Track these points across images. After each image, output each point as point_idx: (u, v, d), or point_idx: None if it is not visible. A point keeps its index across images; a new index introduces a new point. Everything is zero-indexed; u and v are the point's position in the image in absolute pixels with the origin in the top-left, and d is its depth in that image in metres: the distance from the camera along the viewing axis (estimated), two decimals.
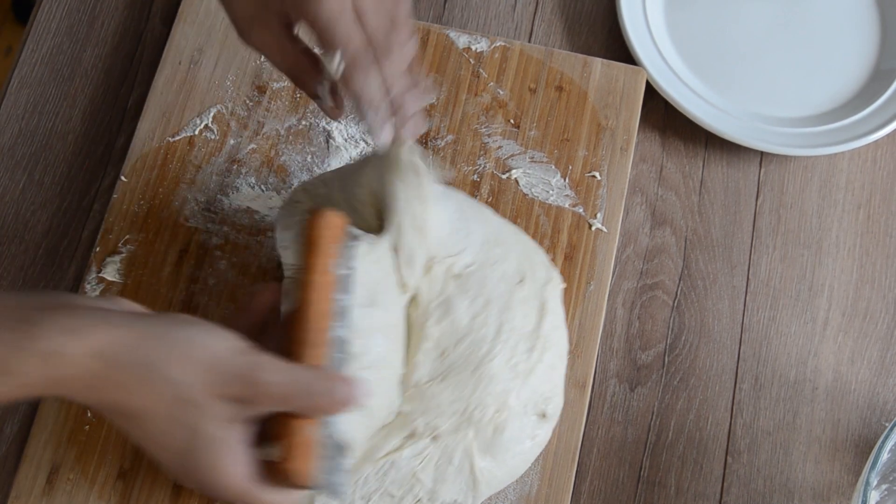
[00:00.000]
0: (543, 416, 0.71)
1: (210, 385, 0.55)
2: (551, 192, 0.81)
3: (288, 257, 0.65)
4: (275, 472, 0.57)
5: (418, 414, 0.69)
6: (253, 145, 0.82)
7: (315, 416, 0.58)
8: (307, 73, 0.65)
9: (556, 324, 0.74)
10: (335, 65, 0.60)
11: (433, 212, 0.68)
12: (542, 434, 0.72)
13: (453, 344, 0.70)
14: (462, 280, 0.72)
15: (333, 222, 0.63)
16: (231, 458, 0.57)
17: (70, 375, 0.54)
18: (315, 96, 0.66)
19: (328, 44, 0.60)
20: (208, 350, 0.56)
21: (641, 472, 0.76)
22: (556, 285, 0.75)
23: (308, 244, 0.62)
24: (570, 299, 0.77)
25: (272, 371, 0.56)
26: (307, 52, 0.65)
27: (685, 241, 0.83)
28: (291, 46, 0.64)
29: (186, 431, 0.56)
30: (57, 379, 0.54)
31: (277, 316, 0.63)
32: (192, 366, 0.55)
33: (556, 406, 0.72)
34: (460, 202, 0.73)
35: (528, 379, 0.70)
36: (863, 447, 0.77)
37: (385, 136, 0.63)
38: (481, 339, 0.71)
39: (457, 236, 0.72)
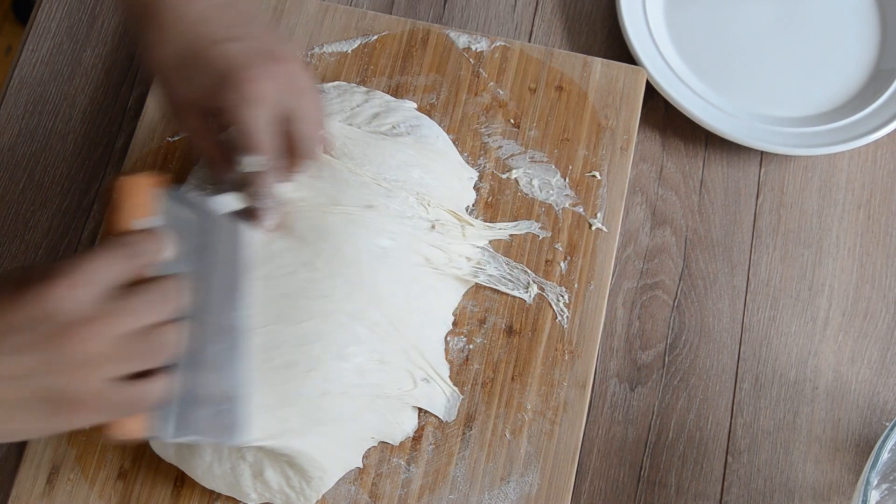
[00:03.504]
0: (380, 363, 0.70)
1: None
2: (551, 191, 0.81)
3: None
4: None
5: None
6: None
7: None
8: (223, 162, 0.68)
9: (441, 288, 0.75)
10: (253, 165, 0.66)
11: None
12: (374, 416, 0.71)
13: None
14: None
15: (135, 184, 0.62)
16: None
17: None
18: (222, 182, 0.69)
19: (248, 149, 0.65)
20: None
21: (642, 472, 0.76)
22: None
23: (110, 208, 0.62)
24: (571, 299, 0.77)
25: None
26: (224, 143, 0.69)
27: (685, 241, 0.83)
28: (213, 134, 0.68)
29: None
30: None
31: None
32: None
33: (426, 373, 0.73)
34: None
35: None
36: (863, 447, 0.77)
37: (270, 225, 0.69)
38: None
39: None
